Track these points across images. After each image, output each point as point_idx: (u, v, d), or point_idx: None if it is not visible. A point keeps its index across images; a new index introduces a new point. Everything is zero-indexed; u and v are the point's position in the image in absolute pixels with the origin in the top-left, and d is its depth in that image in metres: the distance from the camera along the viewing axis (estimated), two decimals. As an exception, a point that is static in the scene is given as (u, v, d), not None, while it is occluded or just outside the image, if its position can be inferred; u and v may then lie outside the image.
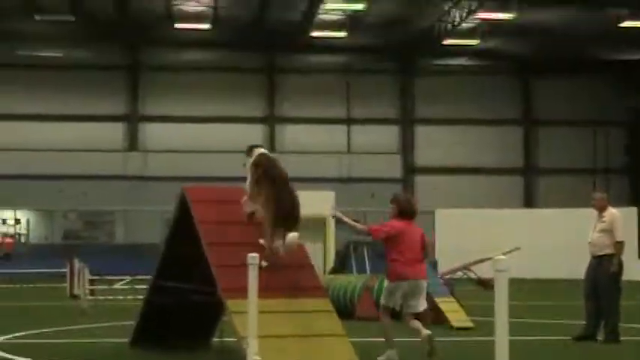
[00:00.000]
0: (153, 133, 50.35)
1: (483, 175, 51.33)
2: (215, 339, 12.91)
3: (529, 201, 51.64)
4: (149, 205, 46.41)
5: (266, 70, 51.25)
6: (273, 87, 51.11)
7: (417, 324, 11.14)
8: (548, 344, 14.31)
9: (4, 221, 48.24)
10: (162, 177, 47.42)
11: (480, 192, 50.39)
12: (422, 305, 11.29)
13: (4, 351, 12.51)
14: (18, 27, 45.86)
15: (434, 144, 51.44)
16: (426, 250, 11.32)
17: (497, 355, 4.14)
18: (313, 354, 9.45)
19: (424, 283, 11.24)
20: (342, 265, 23.70)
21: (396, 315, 11.24)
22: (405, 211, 11.34)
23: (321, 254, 30.39)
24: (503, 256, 4.29)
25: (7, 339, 14.12)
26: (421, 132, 51.89)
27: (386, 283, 11.54)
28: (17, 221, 48.33)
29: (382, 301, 11.37)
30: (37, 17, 44.93)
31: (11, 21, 45.59)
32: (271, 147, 50.30)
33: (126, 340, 13.21)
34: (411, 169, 51.54)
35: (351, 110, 50.99)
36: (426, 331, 10.96)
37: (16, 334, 14.77)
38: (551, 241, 40.60)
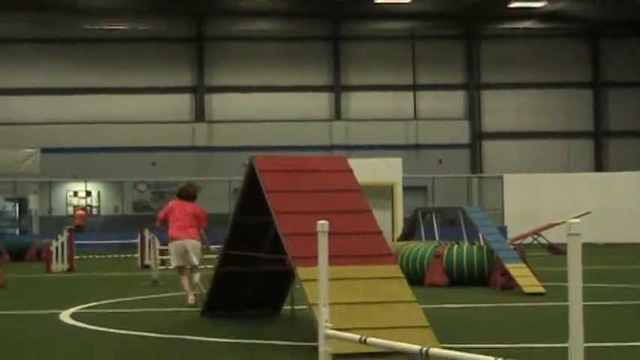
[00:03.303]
0: (219, 103, 50.56)
1: (552, 139, 50.74)
2: (286, 307, 12.97)
3: (599, 164, 51.00)
4: (217, 175, 46.69)
5: (331, 38, 51.11)
6: (338, 55, 50.94)
7: (187, 282, 14.72)
8: (622, 309, 14.15)
9: (75, 194, 48.88)
10: (229, 147, 47.65)
11: (549, 156, 49.88)
12: (195, 261, 14.83)
13: (77, 320, 12.71)
14: (83, 1, 46.29)
15: (501, 109, 50.96)
16: (197, 219, 15.05)
17: (571, 320, 4.08)
18: (384, 320, 9.44)
19: (193, 242, 14.87)
20: (410, 232, 23.60)
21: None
22: (180, 194, 15.48)
23: (390, 221, 30.36)
24: (575, 220, 4.21)
25: (80, 309, 14.33)
26: (488, 97, 51.43)
27: (170, 244, 15.18)
28: (88, 193, 48.94)
29: (172, 262, 15.25)
30: (103, -9, 45.34)
31: (77, -5, 46.05)
32: (337, 115, 50.28)
33: (196, 309, 13.33)
34: (478, 135, 51.15)
35: (417, 76, 50.67)
36: (191, 297, 14.47)
37: (90, 305, 14.98)
38: (622, 204, 40.14)
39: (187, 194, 15.43)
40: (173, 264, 15.19)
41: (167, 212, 15.19)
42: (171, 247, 15.04)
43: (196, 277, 14.92)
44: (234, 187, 40.21)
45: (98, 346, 10.60)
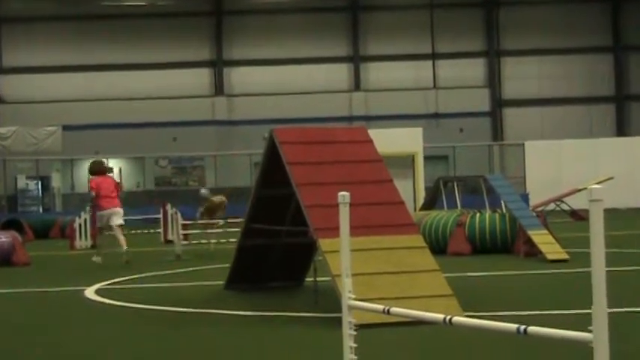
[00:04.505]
0: (238, 77, 50.55)
1: (573, 105, 50.47)
2: (308, 279, 12.99)
3: (621, 129, 50.72)
4: (237, 149, 46.75)
5: (349, 9, 50.95)
6: (357, 25, 50.80)
7: (121, 237, 18.52)
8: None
9: (97, 170, 48.98)
10: (249, 120, 47.70)
11: (570, 122, 49.64)
12: (118, 221, 18.69)
13: (102, 296, 12.77)
14: (101, -23, 46.31)
15: (522, 75, 50.70)
16: (119, 190, 19.07)
17: (595, 287, 4.07)
18: (407, 290, 9.45)
19: (118, 209, 18.76)
20: (432, 201, 23.61)
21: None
22: (97, 171, 19.06)
23: (411, 191, 30.36)
24: (597, 186, 4.18)
25: (105, 285, 14.40)
26: (508, 64, 51.16)
27: (98, 213, 19.09)
28: (110, 170, 49.04)
29: (97, 224, 19.46)
30: (120, -33, 45.29)
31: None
32: (356, 86, 50.17)
33: (220, 282, 13.37)
34: (499, 102, 50.94)
35: (436, 45, 50.45)
36: (124, 246, 18.37)
37: (114, 280, 15.06)
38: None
39: (105, 169, 19.48)
40: (116, 223, 18.70)
41: (98, 188, 18.56)
42: (101, 214, 18.81)
43: (121, 236, 18.61)
44: (255, 160, 40.25)
45: (123, 322, 10.65)
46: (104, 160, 20.36)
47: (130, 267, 17.55)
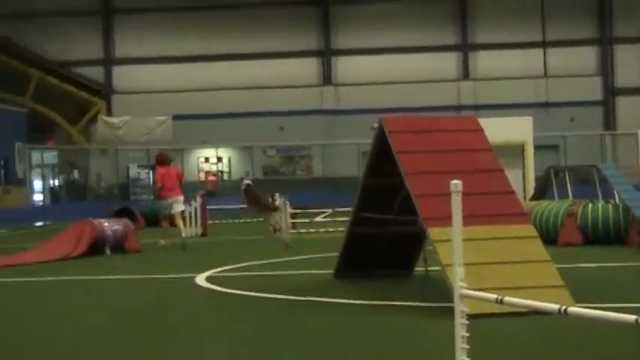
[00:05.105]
0: (346, 66, 50.53)
1: (688, 93, 49.20)
2: (418, 268, 12.92)
3: None
4: (345, 138, 46.75)
5: (457, -3, 50.55)
6: (464, 13, 50.31)
7: (180, 223, 20.66)
8: None
9: (206, 160, 49.60)
10: (357, 110, 47.63)
11: (685, 111, 48.41)
12: (178, 208, 20.70)
13: (213, 283, 12.91)
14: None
15: (635, 63, 49.58)
16: (180, 180, 21.01)
17: None
18: (518, 280, 9.33)
19: (179, 198, 20.68)
20: (542, 191, 23.29)
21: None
22: (162, 161, 21.06)
23: (521, 181, 29.98)
24: None
25: (215, 272, 14.55)
26: (621, 51, 50.07)
27: (160, 201, 21.07)
28: (219, 159, 49.61)
29: (176, 210, 20.57)
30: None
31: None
32: (465, 75, 49.73)
33: (328, 271, 13.38)
34: (611, 91, 49.92)
35: (546, 32, 49.67)
36: (183, 232, 20.77)
37: (224, 268, 15.20)
38: None
39: (169, 160, 21.40)
40: (176, 211, 20.59)
41: (163, 179, 20.54)
42: (173, 200, 20.49)
43: (180, 222, 20.77)
44: (363, 149, 40.19)
45: (234, 309, 10.74)
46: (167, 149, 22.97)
47: (231, 255, 17.69)
